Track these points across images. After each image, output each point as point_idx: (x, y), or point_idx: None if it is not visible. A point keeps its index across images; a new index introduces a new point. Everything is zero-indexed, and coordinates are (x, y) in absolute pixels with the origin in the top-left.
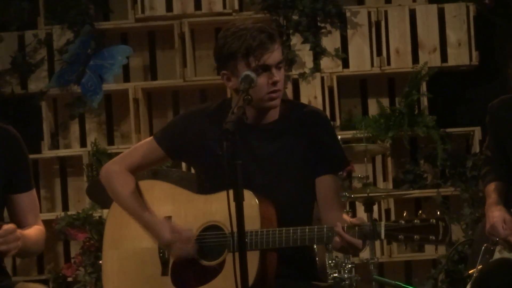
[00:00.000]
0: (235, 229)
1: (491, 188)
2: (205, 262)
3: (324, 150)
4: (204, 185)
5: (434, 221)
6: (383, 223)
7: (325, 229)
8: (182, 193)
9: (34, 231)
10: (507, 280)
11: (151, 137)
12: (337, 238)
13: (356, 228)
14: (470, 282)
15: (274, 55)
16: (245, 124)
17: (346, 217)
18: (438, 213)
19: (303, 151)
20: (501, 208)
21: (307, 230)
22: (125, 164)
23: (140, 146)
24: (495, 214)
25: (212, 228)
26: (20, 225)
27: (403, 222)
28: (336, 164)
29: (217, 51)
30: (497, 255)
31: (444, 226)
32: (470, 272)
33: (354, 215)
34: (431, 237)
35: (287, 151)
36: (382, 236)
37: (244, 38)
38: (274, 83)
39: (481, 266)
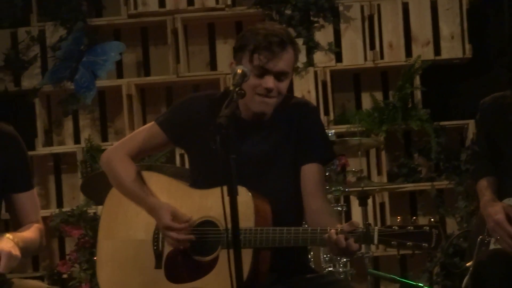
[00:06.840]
0: (229, 225)
1: (484, 185)
2: (198, 258)
3: (309, 139)
4: (198, 176)
5: (427, 228)
6: (376, 228)
7: (318, 231)
8: (178, 186)
9: (29, 233)
10: (501, 271)
11: (153, 122)
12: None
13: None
14: (468, 275)
15: (278, 63)
16: (238, 118)
17: (329, 207)
18: (432, 220)
19: (293, 145)
20: (499, 203)
21: (300, 231)
22: (125, 150)
23: (141, 131)
24: (496, 209)
25: (206, 224)
26: (21, 224)
27: (396, 227)
28: (320, 154)
29: (235, 41)
30: (492, 247)
31: (437, 233)
32: (467, 265)
33: (348, 209)
34: (423, 244)
35: (278, 147)
36: (375, 241)
37: (258, 35)
38: (266, 90)
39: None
